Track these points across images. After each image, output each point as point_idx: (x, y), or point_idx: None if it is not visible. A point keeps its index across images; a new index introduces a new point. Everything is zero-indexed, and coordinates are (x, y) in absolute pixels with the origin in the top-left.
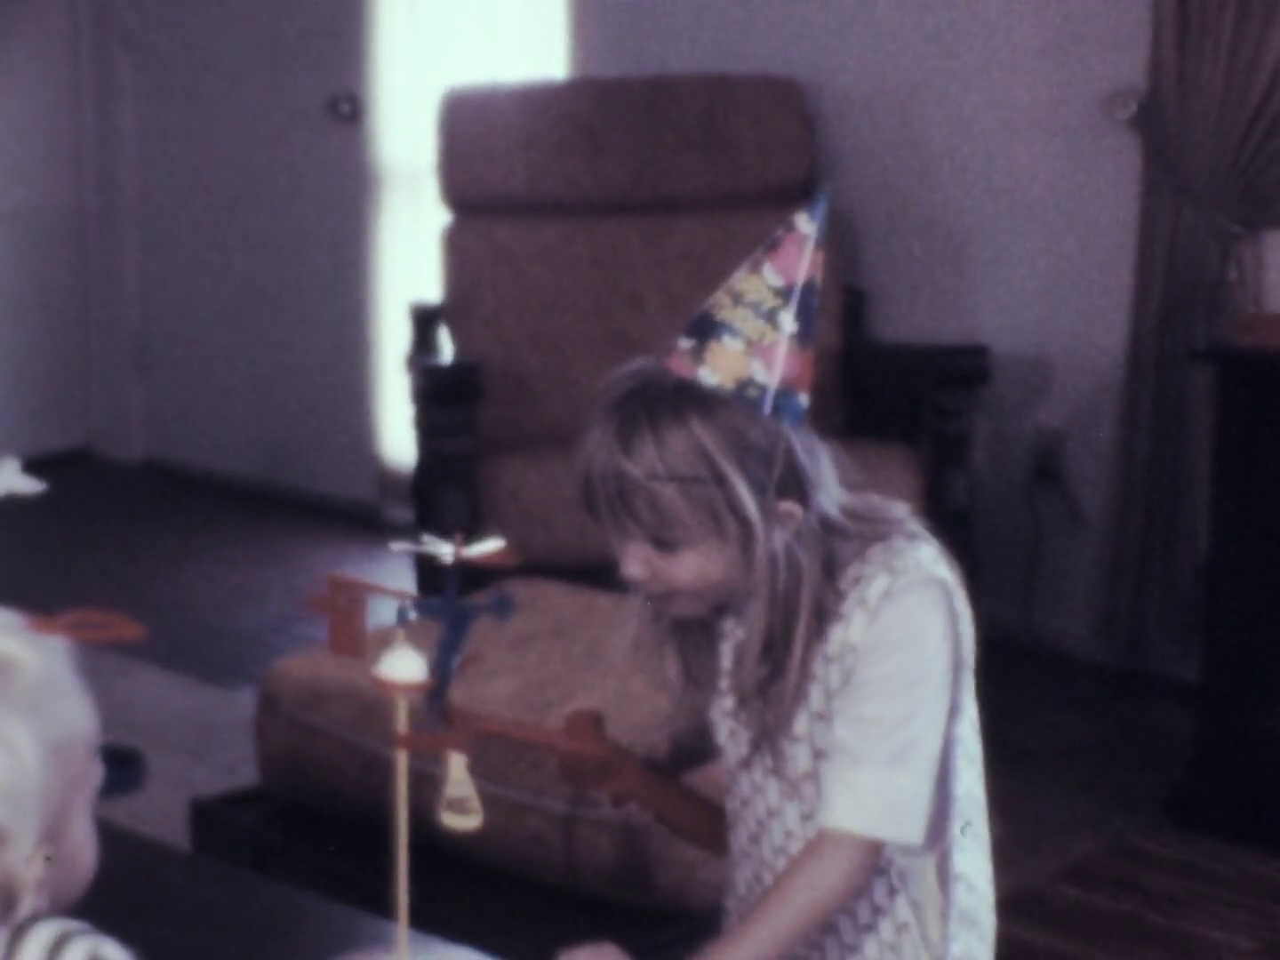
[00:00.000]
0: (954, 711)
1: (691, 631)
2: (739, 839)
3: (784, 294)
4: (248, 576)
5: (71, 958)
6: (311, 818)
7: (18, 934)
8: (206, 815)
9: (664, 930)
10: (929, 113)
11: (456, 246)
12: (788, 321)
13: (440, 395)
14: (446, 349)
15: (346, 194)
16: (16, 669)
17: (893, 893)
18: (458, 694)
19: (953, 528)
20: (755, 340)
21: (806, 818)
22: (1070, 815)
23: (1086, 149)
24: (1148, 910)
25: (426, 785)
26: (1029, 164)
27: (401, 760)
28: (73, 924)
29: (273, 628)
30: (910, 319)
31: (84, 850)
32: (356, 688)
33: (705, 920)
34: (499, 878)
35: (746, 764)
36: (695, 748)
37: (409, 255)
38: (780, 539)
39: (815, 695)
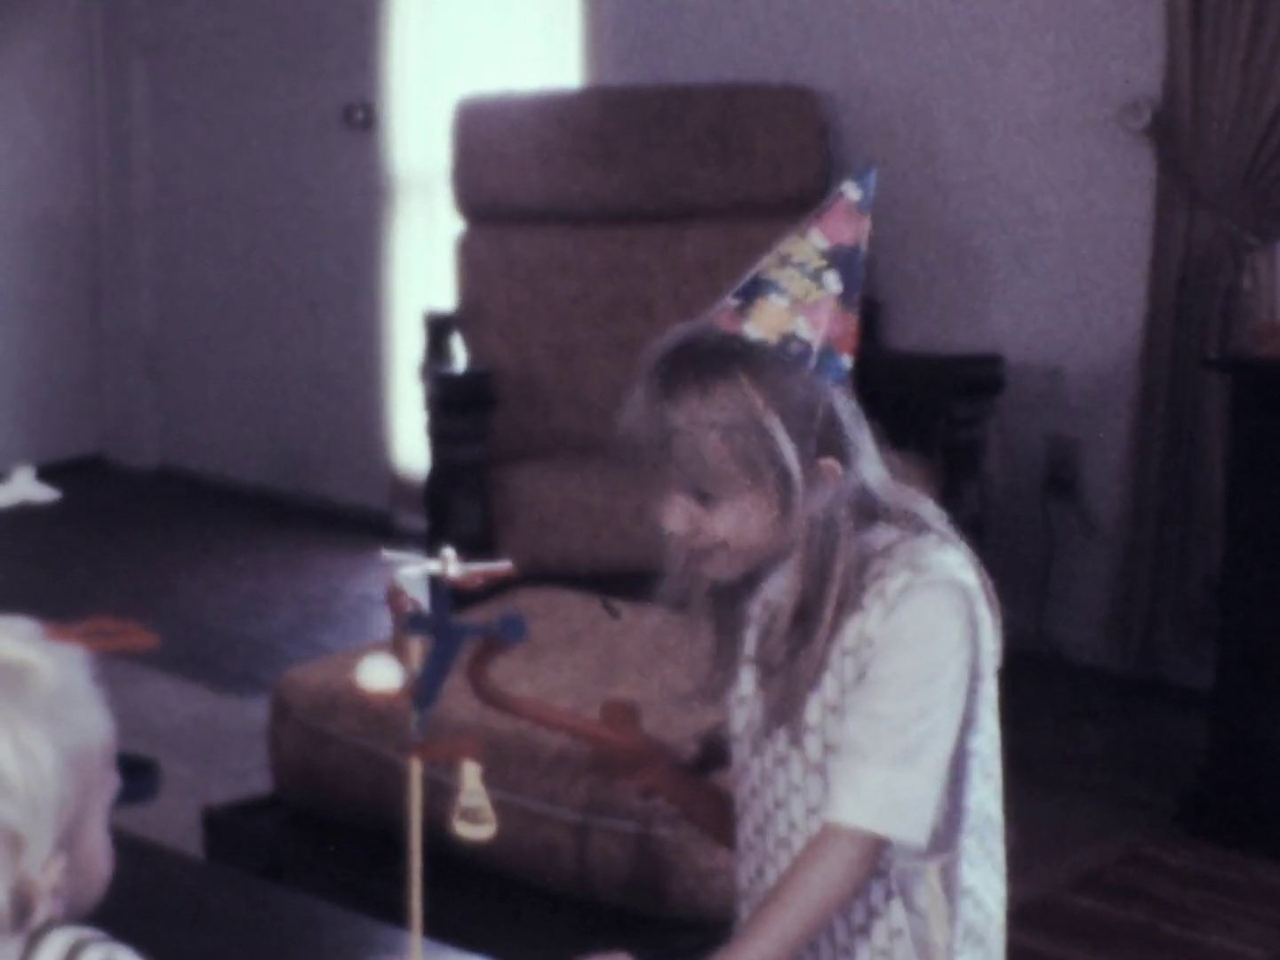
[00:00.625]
0: (970, 723)
1: (723, 609)
2: (745, 831)
3: (830, 256)
4: (260, 584)
5: None
6: (324, 826)
7: (33, 941)
8: (219, 823)
9: (678, 939)
10: (943, 121)
11: (470, 255)
12: (833, 281)
13: (453, 403)
14: (459, 357)
15: (360, 202)
16: (34, 677)
17: (889, 896)
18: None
19: (966, 536)
20: (800, 298)
21: (812, 811)
22: (1082, 824)
23: (1101, 158)
24: (1160, 919)
25: (440, 794)
26: (1043, 173)
27: (415, 769)
28: (88, 932)
29: (285, 635)
30: (924, 328)
31: (99, 858)
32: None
33: (719, 929)
34: (512, 886)
35: (758, 750)
36: (722, 750)
37: (422, 263)
38: (820, 499)
39: (829, 686)
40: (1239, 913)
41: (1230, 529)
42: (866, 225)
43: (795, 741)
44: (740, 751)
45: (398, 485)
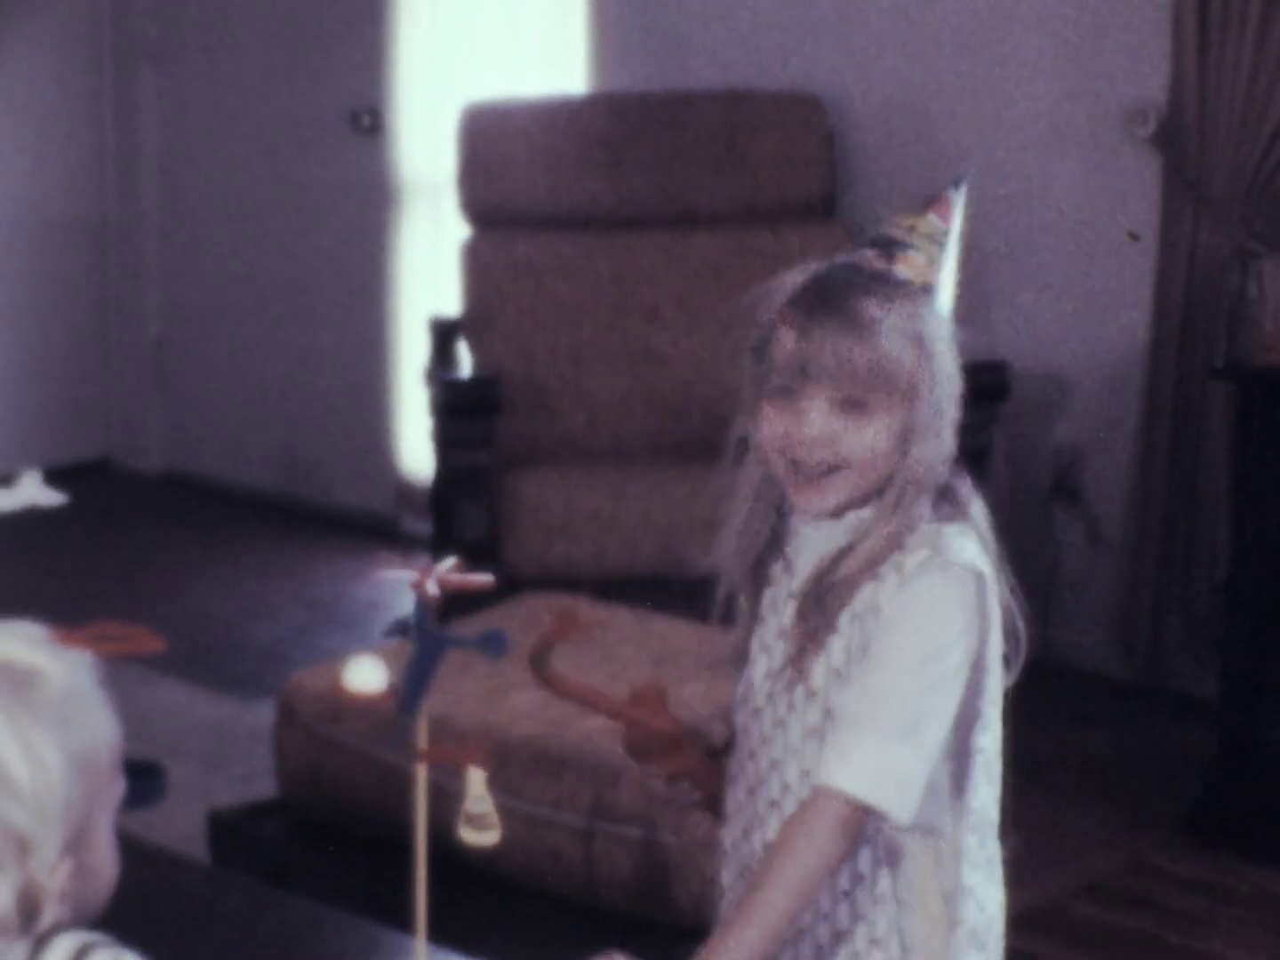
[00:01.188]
0: (975, 719)
1: (760, 570)
2: (736, 794)
3: (945, 235)
4: (266, 588)
5: None
6: (330, 830)
7: (39, 945)
8: (225, 827)
9: (682, 945)
10: (949, 129)
11: (476, 260)
12: (950, 255)
13: (459, 408)
14: (466, 362)
15: (367, 207)
16: (41, 681)
17: (877, 864)
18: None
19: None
20: (934, 260)
21: (805, 774)
22: (1087, 832)
23: (1106, 166)
24: (1165, 928)
25: (445, 799)
26: (1048, 181)
27: (421, 774)
28: (94, 936)
29: (291, 639)
30: None
31: (105, 862)
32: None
33: None
34: (518, 892)
35: (758, 714)
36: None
37: (429, 268)
38: (923, 445)
39: (836, 650)
40: (1244, 920)
41: (1235, 537)
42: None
43: (793, 706)
44: (741, 714)
45: (403, 490)
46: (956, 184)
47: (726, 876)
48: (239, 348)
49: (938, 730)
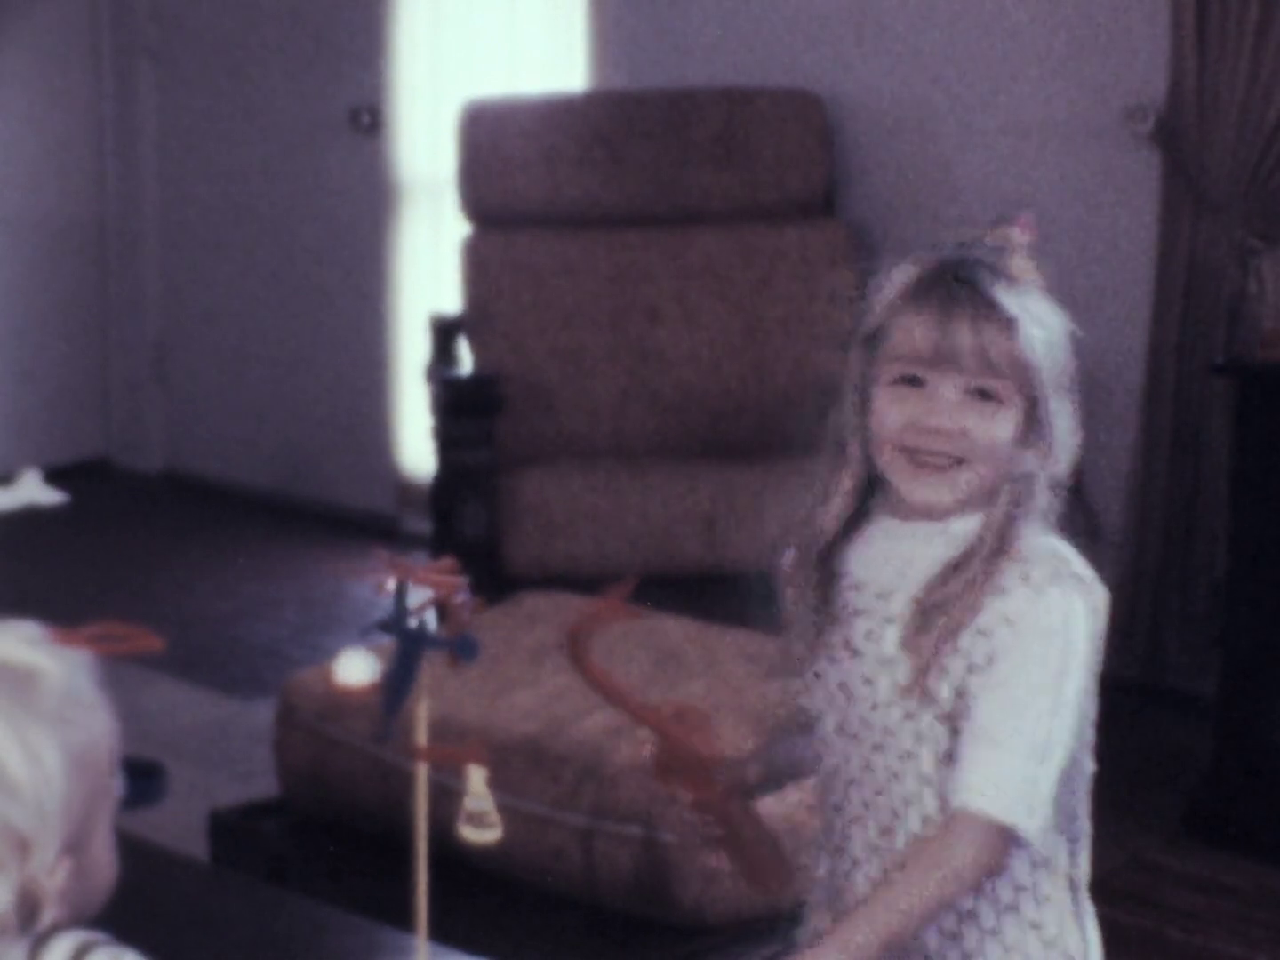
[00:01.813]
0: (1084, 741)
1: (825, 571)
2: (866, 836)
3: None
4: (266, 587)
5: None
6: (330, 830)
7: (39, 945)
8: (225, 826)
9: (682, 944)
10: (947, 126)
11: (476, 258)
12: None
13: (460, 407)
14: (466, 361)
15: (366, 205)
16: (40, 680)
17: (1034, 867)
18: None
19: None
20: (1028, 267)
21: (924, 781)
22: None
23: (1106, 163)
24: (1166, 925)
25: (446, 798)
26: (1047, 178)
27: (421, 773)
28: (94, 935)
29: (291, 639)
30: None
31: (104, 862)
32: (376, 699)
33: (724, 934)
34: (518, 891)
35: (867, 724)
36: (784, 770)
37: (429, 267)
38: (1042, 453)
39: (957, 669)
40: (1245, 918)
41: (1235, 535)
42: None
43: (921, 737)
44: (853, 750)
45: (404, 489)
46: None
47: (823, 890)
48: (238, 346)
49: (1066, 749)
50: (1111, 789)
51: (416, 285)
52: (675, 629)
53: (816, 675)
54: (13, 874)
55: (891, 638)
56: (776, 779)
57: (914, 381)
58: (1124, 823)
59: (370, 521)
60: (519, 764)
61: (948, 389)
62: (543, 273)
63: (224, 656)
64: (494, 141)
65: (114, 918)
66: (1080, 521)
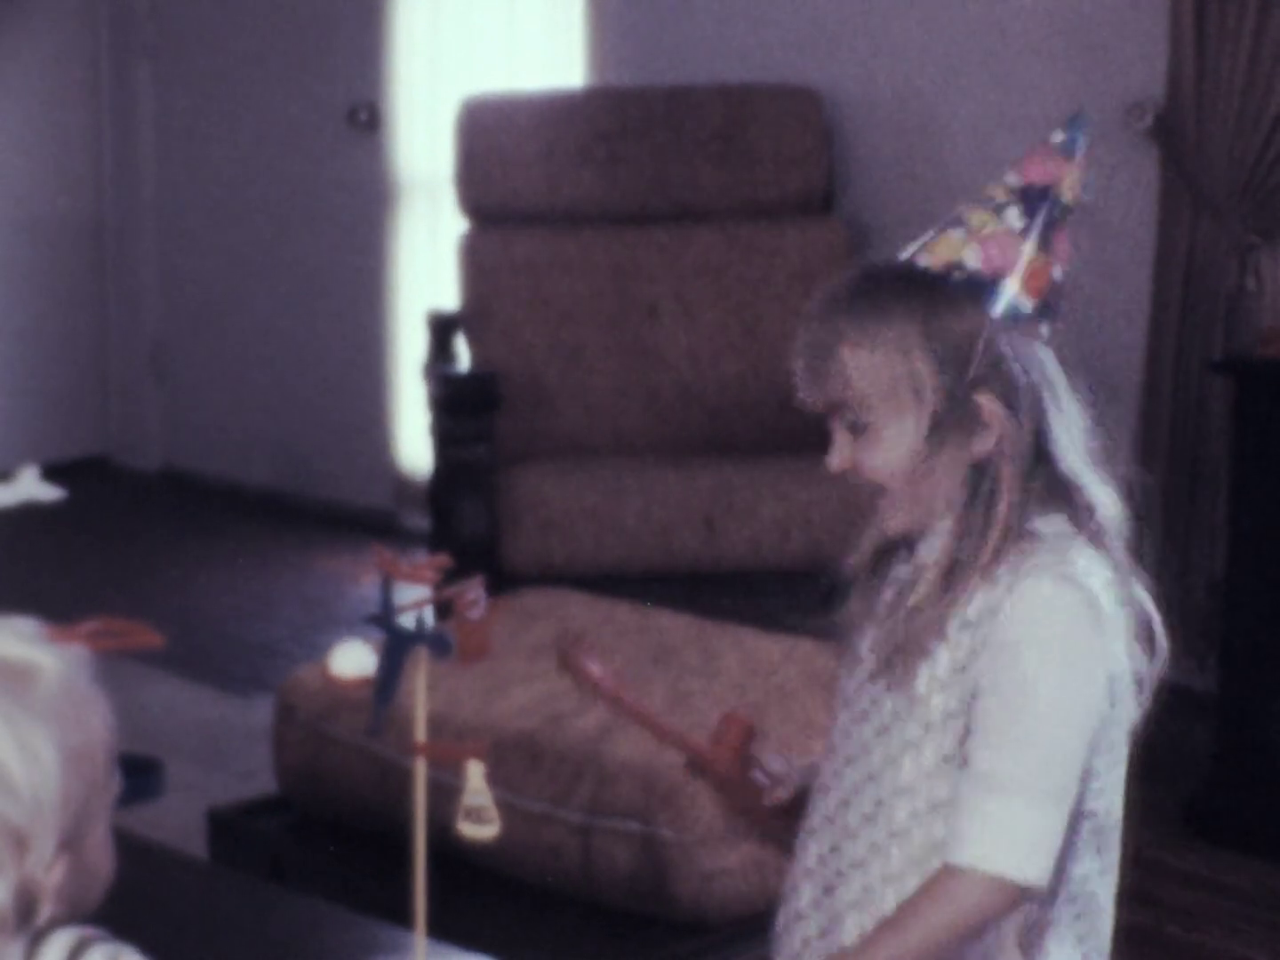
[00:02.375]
0: (1089, 777)
1: (874, 572)
2: (827, 804)
3: (1017, 192)
4: (265, 585)
5: None
6: (329, 827)
7: (36, 941)
8: (224, 824)
9: (680, 941)
10: (946, 123)
11: (474, 255)
12: (1013, 216)
13: (458, 404)
14: (464, 358)
15: (365, 203)
16: (38, 676)
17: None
18: (475, 706)
19: None
20: (976, 229)
21: (901, 791)
22: None
23: (1104, 159)
24: (1165, 922)
25: (444, 795)
26: None
27: (419, 769)
28: (91, 931)
29: (289, 636)
30: None
31: (102, 858)
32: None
33: (722, 931)
34: (516, 887)
35: (860, 719)
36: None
37: (427, 264)
38: (980, 443)
39: (942, 660)
40: (1244, 916)
41: (1234, 532)
42: (1072, 171)
43: (897, 714)
44: (841, 717)
45: (402, 486)
46: (1068, 124)
47: (804, 895)
48: (237, 344)
49: (1075, 773)
50: None
51: (415, 282)
52: (673, 626)
53: (851, 645)
54: (10, 871)
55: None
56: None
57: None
58: (1124, 820)
59: (369, 519)
60: (517, 761)
61: (837, 429)
62: (541, 270)
63: (222, 654)
64: (492, 139)
65: (112, 915)
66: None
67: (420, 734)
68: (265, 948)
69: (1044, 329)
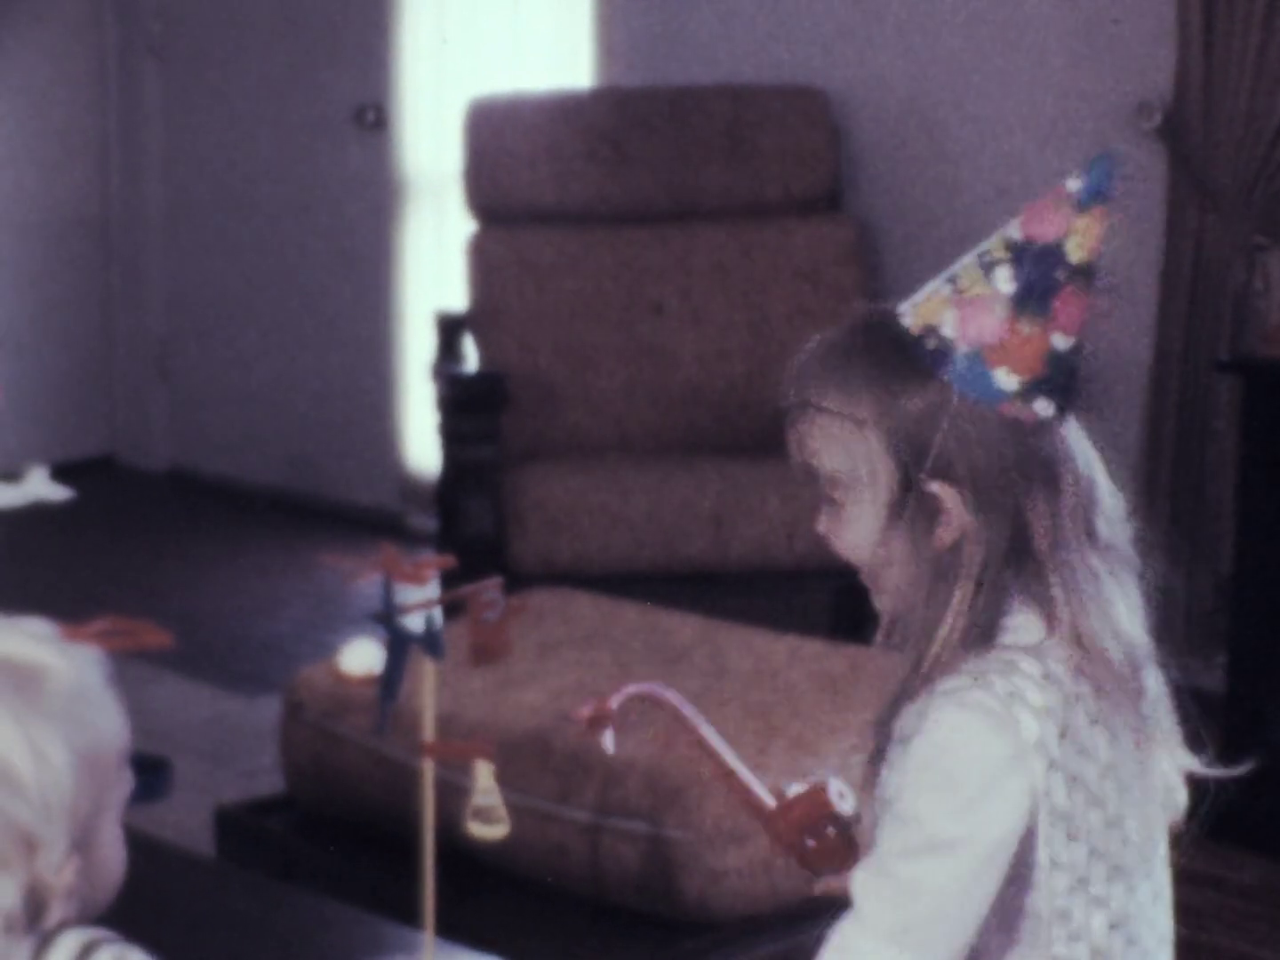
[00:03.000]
0: (1022, 880)
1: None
2: None
3: (1015, 249)
4: (271, 584)
5: None
6: (337, 825)
7: (45, 943)
8: (231, 823)
9: (688, 940)
10: (954, 123)
11: (481, 255)
12: (1003, 279)
13: (465, 404)
14: (471, 358)
15: (372, 202)
16: (48, 677)
17: None
18: (483, 706)
19: None
20: (964, 290)
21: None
22: None
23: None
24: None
25: (452, 794)
26: (1054, 174)
27: (427, 768)
28: (99, 932)
29: (296, 635)
30: None
31: (112, 859)
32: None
33: (729, 930)
34: (524, 886)
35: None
36: None
37: (434, 264)
38: (945, 534)
39: (886, 780)
40: (1251, 914)
41: (1242, 531)
42: (1086, 225)
43: (877, 823)
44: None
45: (409, 486)
46: (1086, 169)
47: None
48: (243, 344)
49: (956, 932)
50: None
51: (422, 282)
52: (680, 626)
53: None
54: (20, 873)
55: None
56: None
57: None
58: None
59: (376, 518)
60: (525, 760)
61: (824, 500)
62: (548, 270)
63: (230, 653)
64: (499, 138)
65: (120, 914)
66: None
67: (429, 733)
68: (273, 946)
69: (1040, 407)
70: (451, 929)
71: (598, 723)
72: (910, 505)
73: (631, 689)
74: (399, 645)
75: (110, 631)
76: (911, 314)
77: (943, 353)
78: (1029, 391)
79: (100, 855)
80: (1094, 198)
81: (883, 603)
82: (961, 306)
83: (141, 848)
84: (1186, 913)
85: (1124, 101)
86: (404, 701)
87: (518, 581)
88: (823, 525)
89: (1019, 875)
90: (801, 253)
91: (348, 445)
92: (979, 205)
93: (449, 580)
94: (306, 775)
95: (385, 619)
